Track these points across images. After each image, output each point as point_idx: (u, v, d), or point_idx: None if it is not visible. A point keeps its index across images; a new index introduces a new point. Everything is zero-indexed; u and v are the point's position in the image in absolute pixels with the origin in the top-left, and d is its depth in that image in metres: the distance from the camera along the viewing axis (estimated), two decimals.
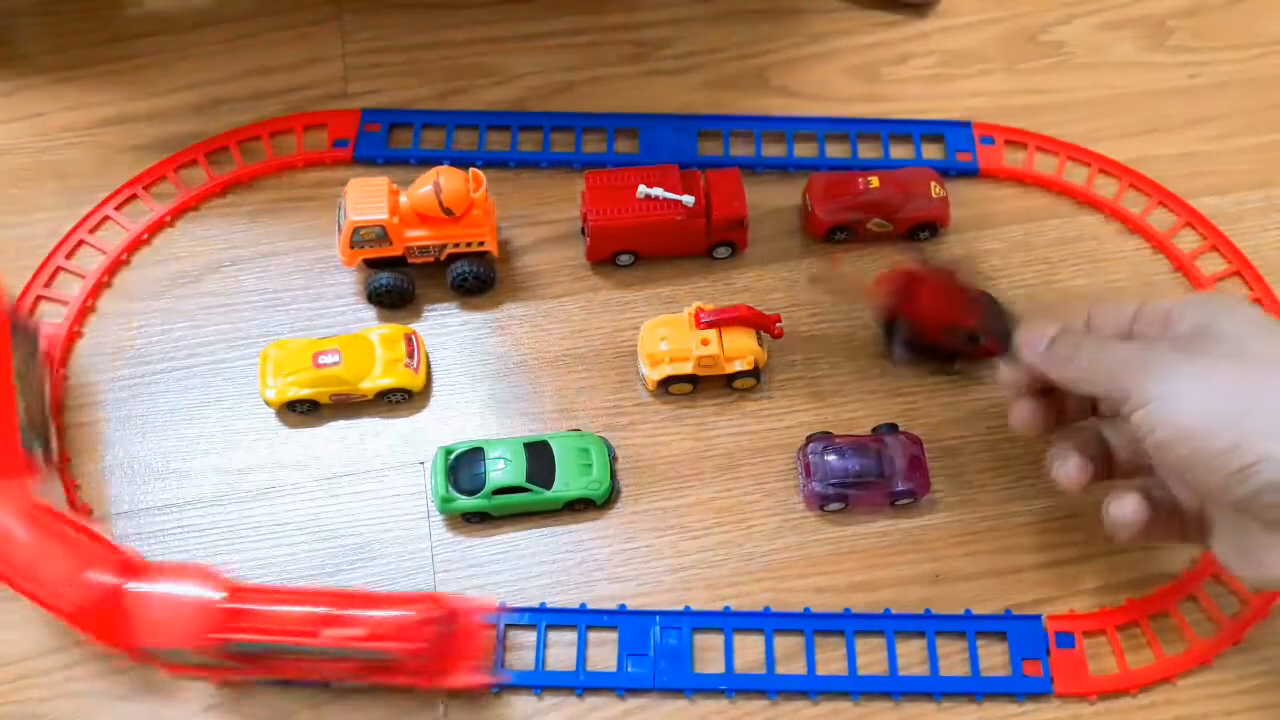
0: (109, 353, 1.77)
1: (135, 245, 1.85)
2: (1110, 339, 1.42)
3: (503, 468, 1.61)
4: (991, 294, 1.67)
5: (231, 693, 1.53)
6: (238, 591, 1.45)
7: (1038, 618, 1.57)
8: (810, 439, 1.66)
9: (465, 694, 1.52)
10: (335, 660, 1.43)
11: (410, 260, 1.77)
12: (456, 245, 1.76)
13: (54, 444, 1.66)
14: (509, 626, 1.56)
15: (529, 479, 1.61)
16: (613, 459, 1.68)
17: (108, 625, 1.44)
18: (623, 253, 1.82)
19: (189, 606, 1.43)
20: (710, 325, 1.70)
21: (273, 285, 1.83)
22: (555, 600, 1.59)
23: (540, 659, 1.54)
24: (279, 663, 1.44)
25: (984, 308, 1.63)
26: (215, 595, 1.43)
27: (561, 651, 1.55)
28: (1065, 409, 1.53)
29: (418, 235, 1.74)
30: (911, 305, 1.64)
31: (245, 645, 1.41)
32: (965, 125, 1.96)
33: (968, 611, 1.58)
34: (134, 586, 1.45)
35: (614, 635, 1.56)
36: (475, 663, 1.48)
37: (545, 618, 1.57)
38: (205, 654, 1.42)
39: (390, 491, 1.67)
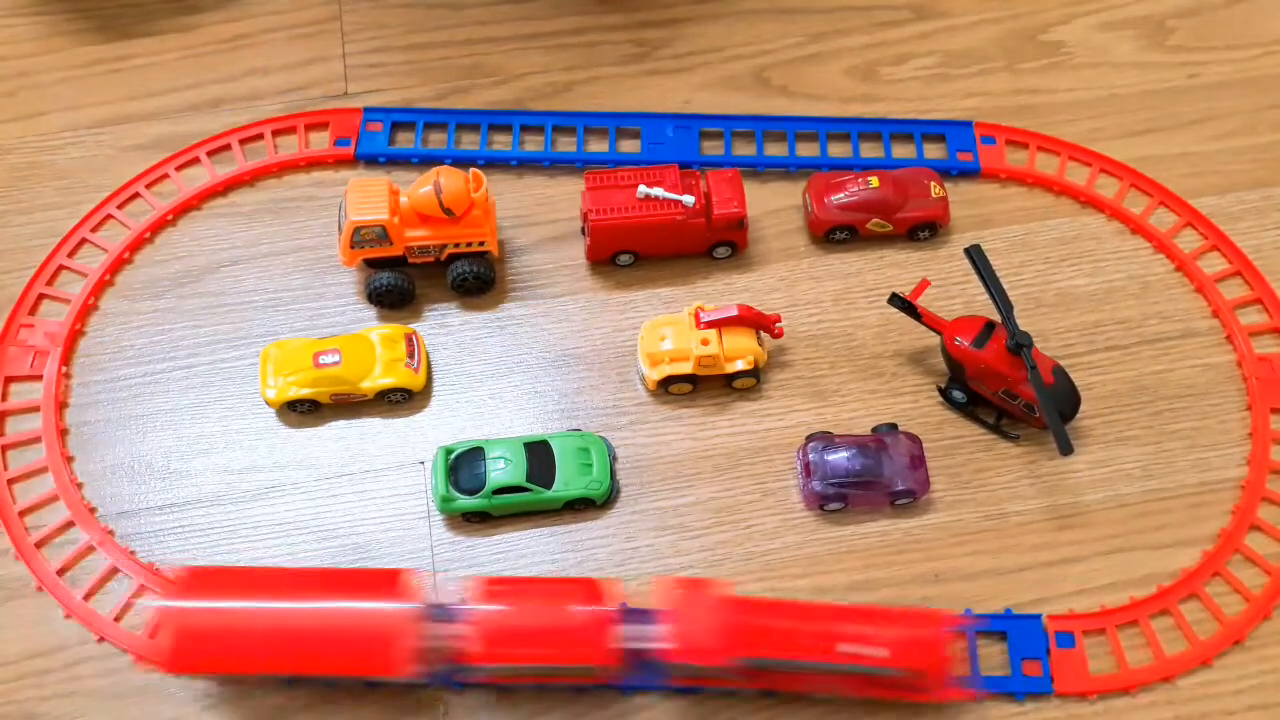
0: (111, 352, 1.77)
1: (138, 244, 1.86)
2: None
3: (503, 467, 1.61)
4: (1064, 369, 1.68)
5: (231, 692, 1.53)
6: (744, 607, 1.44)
7: (1037, 617, 1.57)
8: (810, 438, 1.67)
9: (470, 692, 1.53)
10: (835, 675, 1.43)
11: (410, 260, 1.77)
12: (457, 245, 1.76)
13: None
14: None
15: (529, 479, 1.61)
16: (613, 459, 1.68)
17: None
18: (623, 253, 1.82)
19: (713, 628, 1.42)
20: (710, 325, 1.70)
21: (273, 285, 1.83)
22: None
23: None
24: (779, 676, 1.45)
25: (1054, 381, 1.64)
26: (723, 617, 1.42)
27: None
28: None
29: (418, 235, 1.74)
30: (978, 356, 1.64)
31: (760, 662, 1.41)
32: (966, 125, 1.96)
33: (968, 611, 1.58)
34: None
35: None
36: (953, 676, 1.47)
37: None
38: (715, 669, 1.42)
39: (390, 491, 1.67)
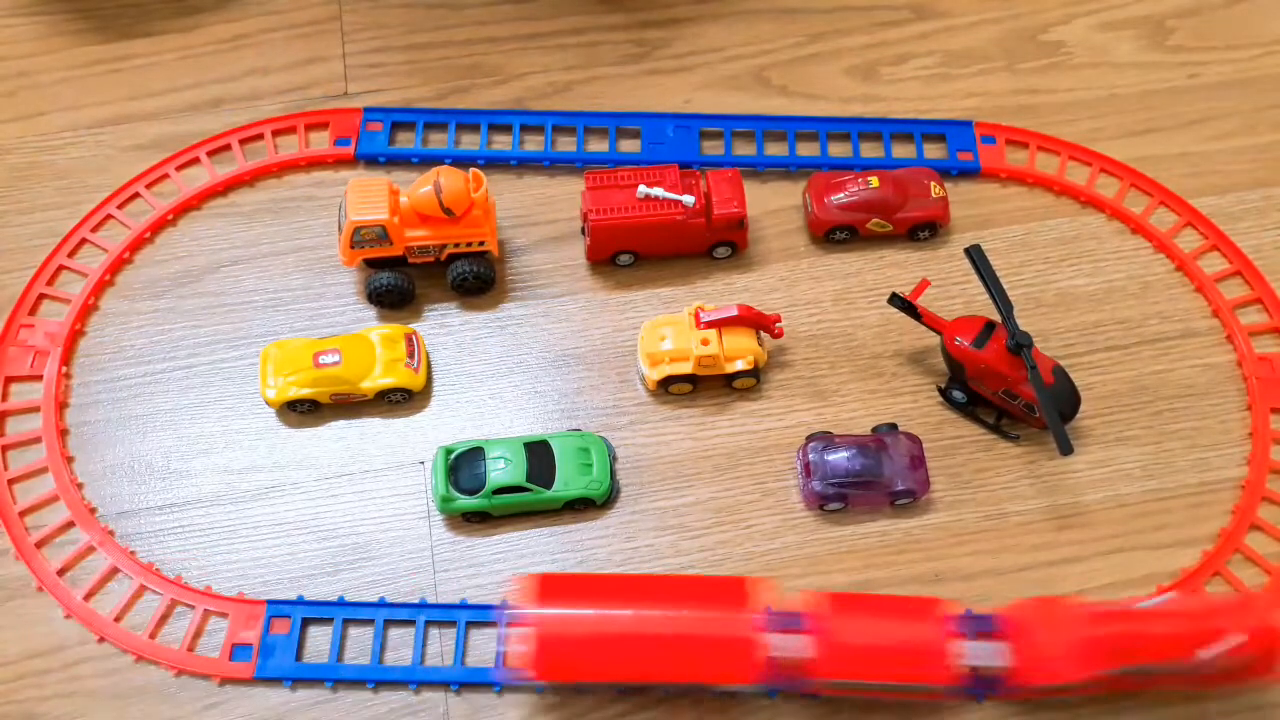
0: (111, 352, 1.77)
1: (138, 244, 1.86)
2: None
3: (503, 467, 1.61)
4: (1064, 369, 1.68)
5: (231, 691, 1.53)
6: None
7: None
8: (810, 439, 1.67)
9: (470, 693, 1.53)
10: (1181, 675, 1.44)
11: (410, 260, 1.77)
12: (457, 245, 1.76)
13: None
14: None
15: (529, 479, 1.61)
16: (613, 459, 1.68)
17: None
18: (623, 253, 1.82)
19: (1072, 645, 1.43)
20: (710, 325, 1.70)
21: (273, 285, 1.83)
22: None
23: None
24: (1135, 679, 1.45)
25: (1054, 381, 1.64)
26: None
27: None
28: None
29: (418, 235, 1.74)
30: (978, 356, 1.64)
31: (1130, 670, 1.41)
32: (967, 125, 1.96)
33: (968, 611, 1.58)
34: None
35: None
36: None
37: None
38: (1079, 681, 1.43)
39: (390, 491, 1.67)
